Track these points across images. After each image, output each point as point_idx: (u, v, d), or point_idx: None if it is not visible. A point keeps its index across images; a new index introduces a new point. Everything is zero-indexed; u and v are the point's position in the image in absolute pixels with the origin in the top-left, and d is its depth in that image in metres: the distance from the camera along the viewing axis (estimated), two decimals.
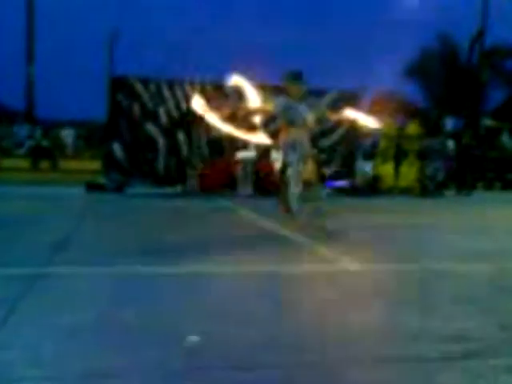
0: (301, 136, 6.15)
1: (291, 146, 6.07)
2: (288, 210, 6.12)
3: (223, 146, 12.22)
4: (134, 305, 3.10)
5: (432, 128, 16.07)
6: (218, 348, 2.47)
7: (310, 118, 6.21)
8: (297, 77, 6.30)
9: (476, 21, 21.36)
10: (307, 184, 6.07)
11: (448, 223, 7.88)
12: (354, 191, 12.42)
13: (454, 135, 15.40)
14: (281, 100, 6.23)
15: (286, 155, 6.08)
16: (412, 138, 13.78)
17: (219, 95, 12.23)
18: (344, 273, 4.20)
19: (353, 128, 12.83)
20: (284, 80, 6.32)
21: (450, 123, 17.11)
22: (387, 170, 13.34)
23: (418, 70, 24.04)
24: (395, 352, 2.52)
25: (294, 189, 6.03)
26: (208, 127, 12.49)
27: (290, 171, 6.05)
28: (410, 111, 21.61)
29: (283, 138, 6.17)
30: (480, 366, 2.37)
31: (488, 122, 19.13)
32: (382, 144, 13.54)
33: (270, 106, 6.31)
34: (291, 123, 6.13)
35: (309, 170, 6.12)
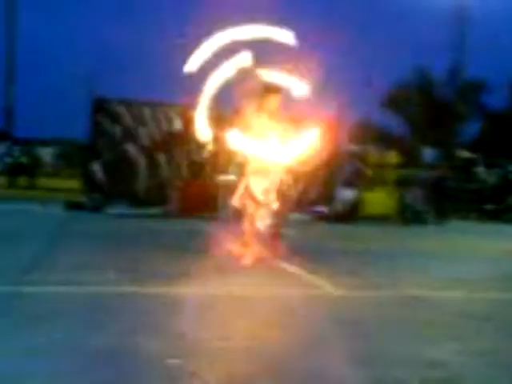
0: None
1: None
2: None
3: (204, 169, 12.27)
4: (105, 325, 3.06)
5: (409, 158, 16.36)
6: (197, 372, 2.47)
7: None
8: (271, 90, 5.57)
9: (453, 56, 22.02)
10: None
11: (425, 251, 7.97)
12: (333, 218, 12.50)
13: (433, 166, 15.69)
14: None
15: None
16: (391, 166, 14.00)
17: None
18: (325, 298, 4.23)
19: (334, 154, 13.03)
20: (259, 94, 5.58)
21: (428, 154, 17.43)
22: (373, 197, 13.47)
23: (394, 102, 24.53)
24: (373, 377, 2.53)
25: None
26: (189, 149, 12.66)
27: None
28: (387, 140, 21.98)
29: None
30: None
31: (463, 153, 19.53)
32: (368, 172, 13.76)
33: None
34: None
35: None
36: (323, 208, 12.86)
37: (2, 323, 2.98)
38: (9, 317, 3.13)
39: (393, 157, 14.46)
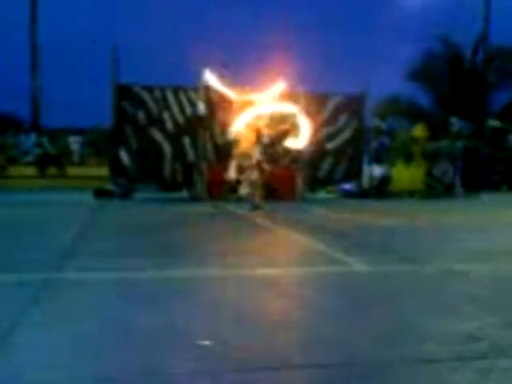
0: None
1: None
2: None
3: (229, 152, 12.25)
4: (145, 309, 3.10)
5: (438, 130, 16.05)
6: (230, 351, 2.47)
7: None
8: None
9: (478, 23, 21.41)
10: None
11: (458, 224, 7.84)
12: (360, 194, 12.41)
13: (461, 136, 15.35)
14: None
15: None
16: (419, 140, 13.76)
17: (223, 100, 12.29)
18: (352, 274, 4.19)
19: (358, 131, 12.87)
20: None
21: (456, 125, 17.07)
22: (401, 172, 13.29)
23: (421, 73, 23.99)
24: (406, 353, 2.51)
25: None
26: (213, 132, 12.66)
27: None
28: (414, 113, 21.58)
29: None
30: (491, 366, 2.36)
31: (494, 122, 19.05)
32: (397, 146, 13.61)
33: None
34: None
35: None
36: (351, 185, 12.76)
37: (43, 311, 3.04)
38: (50, 304, 3.19)
39: (420, 130, 14.20)
